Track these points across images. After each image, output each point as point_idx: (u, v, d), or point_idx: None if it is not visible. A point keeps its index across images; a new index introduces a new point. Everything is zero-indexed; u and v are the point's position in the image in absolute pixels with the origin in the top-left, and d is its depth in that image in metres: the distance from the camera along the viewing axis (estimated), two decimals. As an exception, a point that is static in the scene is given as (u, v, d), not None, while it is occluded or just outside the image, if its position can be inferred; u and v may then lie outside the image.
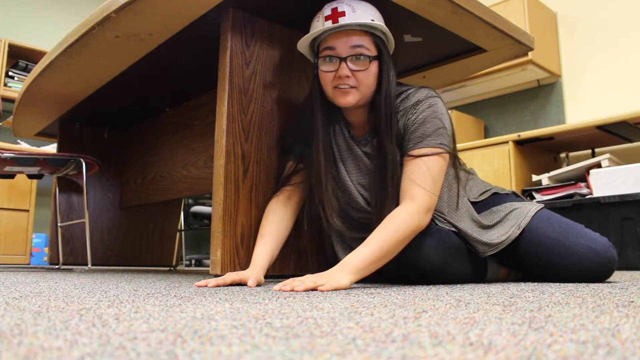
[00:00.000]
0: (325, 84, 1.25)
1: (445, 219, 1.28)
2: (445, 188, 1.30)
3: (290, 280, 1.01)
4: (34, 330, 0.43)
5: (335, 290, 0.97)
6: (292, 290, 0.94)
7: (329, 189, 1.27)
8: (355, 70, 1.20)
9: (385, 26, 1.24)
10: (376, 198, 1.24)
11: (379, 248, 1.09)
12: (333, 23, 1.20)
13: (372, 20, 1.22)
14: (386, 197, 1.21)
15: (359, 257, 1.07)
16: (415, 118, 1.21)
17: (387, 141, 1.21)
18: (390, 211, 1.18)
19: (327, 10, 1.23)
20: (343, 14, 1.21)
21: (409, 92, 1.25)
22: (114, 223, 2.61)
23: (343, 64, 1.20)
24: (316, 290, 0.96)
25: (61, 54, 1.64)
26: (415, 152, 1.19)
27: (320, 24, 1.23)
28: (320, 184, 1.27)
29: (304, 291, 0.94)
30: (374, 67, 1.22)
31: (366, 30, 1.22)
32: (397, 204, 1.19)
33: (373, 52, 1.22)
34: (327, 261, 1.48)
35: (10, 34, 4.09)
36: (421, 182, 1.16)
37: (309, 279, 0.99)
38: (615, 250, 1.23)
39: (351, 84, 1.21)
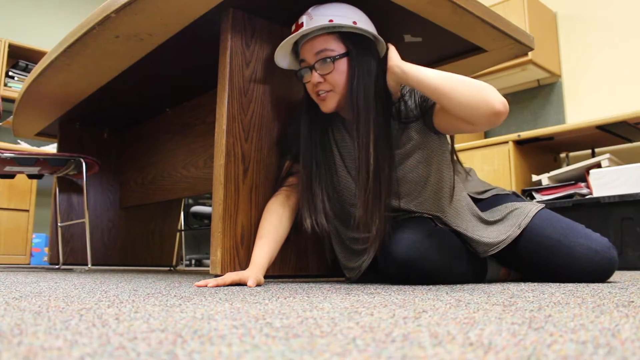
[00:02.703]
0: (310, 94, 1.29)
1: (444, 222, 1.28)
2: (447, 175, 1.30)
3: None
4: (34, 330, 0.43)
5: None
6: None
7: (315, 193, 1.28)
8: (323, 74, 1.23)
9: (351, 21, 1.22)
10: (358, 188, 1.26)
11: (444, 75, 1.12)
12: (291, 36, 1.24)
13: (331, 20, 1.21)
14: (357, 190, 1.22)
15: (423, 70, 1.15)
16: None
17: (355, 138, 1.21)
18: (359, 202, 1.19)
19: (293, 27, 1.28)
20: (302, 25, 1.24)
21: None
22: (114, 223, 2.61)
23: (313, 72, 1.24)
24: None
25: (61, 54, 1.64)
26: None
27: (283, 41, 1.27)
28: (300, 190, 1.29)
29: None
30: (341, 65, 1.22)
31: (330, 31, 1.23)
32: (363, 203, 1.19)
33: (339, 50, 1.23)
34: (327, 261, 1.48)
35: (10, 34, 4.09)
36: None
37: None
38: (615, 251, 1.23)
39: (325, 88, 1.24)
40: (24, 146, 3.71)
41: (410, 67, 1.16)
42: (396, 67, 1.18)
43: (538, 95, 3.57)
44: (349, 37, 1.23)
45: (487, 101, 1.08)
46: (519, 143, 3.02)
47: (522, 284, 1.19)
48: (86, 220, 2.07)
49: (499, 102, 1.08)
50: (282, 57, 1.32)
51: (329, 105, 1.25)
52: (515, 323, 0.48)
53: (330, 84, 1.23)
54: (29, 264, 3.51)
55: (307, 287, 1.08)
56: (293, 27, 1.28)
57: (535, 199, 2.79)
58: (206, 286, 1.05)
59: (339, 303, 0.70)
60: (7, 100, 3.67)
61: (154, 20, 1.40)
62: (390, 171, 1.22)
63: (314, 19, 1.22)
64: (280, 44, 1.27)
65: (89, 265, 2.08)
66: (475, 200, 1.40)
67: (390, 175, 1.22)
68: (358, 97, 1.21)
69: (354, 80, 1.22)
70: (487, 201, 1.40)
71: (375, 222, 1.20)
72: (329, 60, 1.22)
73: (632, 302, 0.69)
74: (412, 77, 1.14)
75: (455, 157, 1.30)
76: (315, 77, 1.23)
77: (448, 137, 1.32)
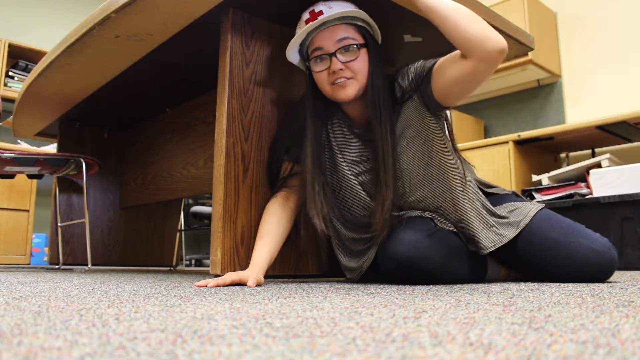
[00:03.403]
0: (322, 84, 1.26)
1: (446, 217, 1.28)
2: (452, 160, 1.30)
3: None
4: (34, 330, 0.43)
5: None
6: None
7: (316, 193, 1.27)
8: (346, 61, 1.22)
9: (366, 14, 1.25)
10: (374, 185, 1.26)
11: (456, 6, 1.13)
12: (313, 22, 1.23)
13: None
14: (379, 184, 1.22)
15: None
16: (416, 64, 1.25)
17: (376, 126, 1.22)
18: (384, 196, 1.20)
19: (305, 15, 1.27)
20: (321, 12, 1.23)
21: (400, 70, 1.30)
22: (114, 223, 2.61)
23: (334, 59, 1.22)
24: None
25: (61, 54, 1.64)
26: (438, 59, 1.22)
27: (302, 29, 1.26)
28: (307, 188, 1.28)
29: None
30: (364, 54, 1.24)
31: (348, 22, 1.24)
32: (392, 192, 1.20)
33: (360, 40, 1.24)
34: (323, 264, 1.48)
35: (10, 34, 4.09)
36: None
37: None
38: (615, 251, 1.23)
39: (347, 75, 1.23)
40: (24, 146, 3.71)
41: None
42: None
43: (538, 95, 3.57)
44: (364, 30, 1.25)
45: (494, 35, 1.11)
46: (519, 143, 3.02)
47: (522, 284, 1.19)
48: (86, 220, 2.06)
49: (503, 40, 1.11)
50: (294, 51, 1.31)
51: (349, 92, 1.23)
52: (515, 323, 0.48)
53: (352, 71, 1.23)
54: (29, 264, 3.51)
55: (307, 287, 1.08)
56: (307, 17, 1.25)
57: (535, 199, 2.79)
58: (206, 286, 1.05)
59: (339, 303, 0.70)
60: (7, 100, 3.67)
61: (154, 20, 1.40)
62: (394, 163, 1.23)
63: (333, 8, 1.23)
64: (298, 34, 1.26)
65: (89, 265, 2.08)
66: (485, 194, 1.41)
67: (394, 167, 1.23)
68: (379, 89, 1.23)
69: (374, 71, 1.24)
70: (487, 200, 1.40)
71: (386, 219, 1.21)
72: (354, 46, 1.22)
73: (632, 302, 0.69)
74: (422, 2, 1.15)
75: (454, 145, 1.30)
76: (337, 63, 1.22)
77: (446, 131, 1.31)
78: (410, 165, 1.27)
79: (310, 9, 1.26)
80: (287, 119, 1.43)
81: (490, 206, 1.33)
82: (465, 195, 1.28)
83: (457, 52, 1.16)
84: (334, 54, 1.22)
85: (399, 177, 1.26)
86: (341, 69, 1.22)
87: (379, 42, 1.31)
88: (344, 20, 1.23)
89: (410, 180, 1.28)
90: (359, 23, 1.25)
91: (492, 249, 1.26)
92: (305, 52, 1.30)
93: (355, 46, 1.22)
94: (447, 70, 1.18)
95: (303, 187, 1.32)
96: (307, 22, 1.25)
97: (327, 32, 1.23)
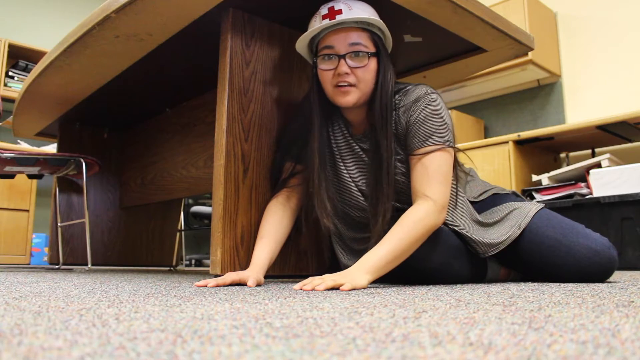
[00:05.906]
0: (325, 83, 1.25)
1: (444, 221, 1.28)
2: None
3: (310, 279, 1.03)
4: (34, 330, 0.43)
5: (353, 289, 0.98)
6: (313, 289, 0.97)
7: (322, 189, 1.27)
8: (354, 67, 1.21)
9: (382, 22, 1.24)
10: (372, 195, 1.25)
11: (395, 247, 1.09)
12: (330, 21, 1.21)
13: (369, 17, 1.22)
14: (381, 194, 1.21)
15: (376, 257, 1.07)
16: (417, 116, 1.20)
17: (382, 138, 1.21)
18: (385, 208, 1.18)
19: (324, 10, 1.24)
20: (340, 11, 1.21)
21: (407, 88, 1.26)
22: (114, 223, 2.61)
23: (342, 61, 1.21)
24: (337, 289, 0.98)
25: (61, 54, 1.64)
26: (422, 150, 1.19)
27: (317, 23, 1.24)
28: (314, 184, 1.28)
29: (325, 290, 0.97)
30: (372, 63, 1.23)
31: (364, 27, 1.22)
32: (391, 205, 1.20)
33: (371, 49, 1.22)
34: (325, 262, 1.48)
35: (10, 34, 4.09)
36: (433, 179, 1.16)
37: (329, 278, 1.01)
38: (615, 251, 1.23)
39: (350, 81, 1.21)
40: (24, 146, 3.71)
41: (372, 273, 1.06)
42: (366, 285, 1.05)
43: (538, 95, 3.57)
44: (378, 38, 1.24)
45: (428, 232, 1.15)
46: (519, 143, 3.02)
47: (522, 284, 1.19)
48: (86, 220, 2.07)
49: (436, 220, 1.14)
50: (304, 43, 1.30)
51: (349, 99, 1.22)
52: (515, 323, 0.48)
53: (357, 78, 1.21)
54: (29, 264, 3.51)
55: (307, 287, 1.08)
56: (325, 12, 1.23)
57: (535, 199, 2.79)
58: (206, 286, 1.05)
59: (339, 303, 0.70)
60: (7, 100, 3.67)
61: (154, 20, 1.40)
62: (394, 175, 1.22)
63: (353, 9, 1.21)
64: (312, 29, 1.24)
65: (89, 265, 2.08)
66: (474, 203, 1.40)
67: (394, 179, 1.22)
68: (385, 100, 1.22)
69: (382, 82, 1.23)
70: (486, 201, 1.40)
71: (382, 222, 1.20)
72: (364, 54, 1.21)
73: (632, 302, 0.69)
74: (378, 276, 1.10)
75: (457, 163, 1.29)
76: (345, 67, 1.20)
77: None
78: (401, 181, 1.27)
79: (330, 4, 1.24)
80: (290, 117, 1.42)
81: (482, 219, 1.32)
82: (454, 215, 1.29)
83: (418, 190, 1.18)
84: (343, 57, 1.21)
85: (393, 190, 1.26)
86: (347, 73, 1.21)
87: (389, 51, 1.30)
88: (361, 25, 1.22)
89: (401, 194, 1.27)
90: (374, 31, 1.24)
91: (493, 252, 1.26)
92: (315, 46, 1.29)
93: (366, 54, 1.21)
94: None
95: (306, 185, 1.32)
96: (323, 17, 1.23)
97: (341, 33, 1.22)
